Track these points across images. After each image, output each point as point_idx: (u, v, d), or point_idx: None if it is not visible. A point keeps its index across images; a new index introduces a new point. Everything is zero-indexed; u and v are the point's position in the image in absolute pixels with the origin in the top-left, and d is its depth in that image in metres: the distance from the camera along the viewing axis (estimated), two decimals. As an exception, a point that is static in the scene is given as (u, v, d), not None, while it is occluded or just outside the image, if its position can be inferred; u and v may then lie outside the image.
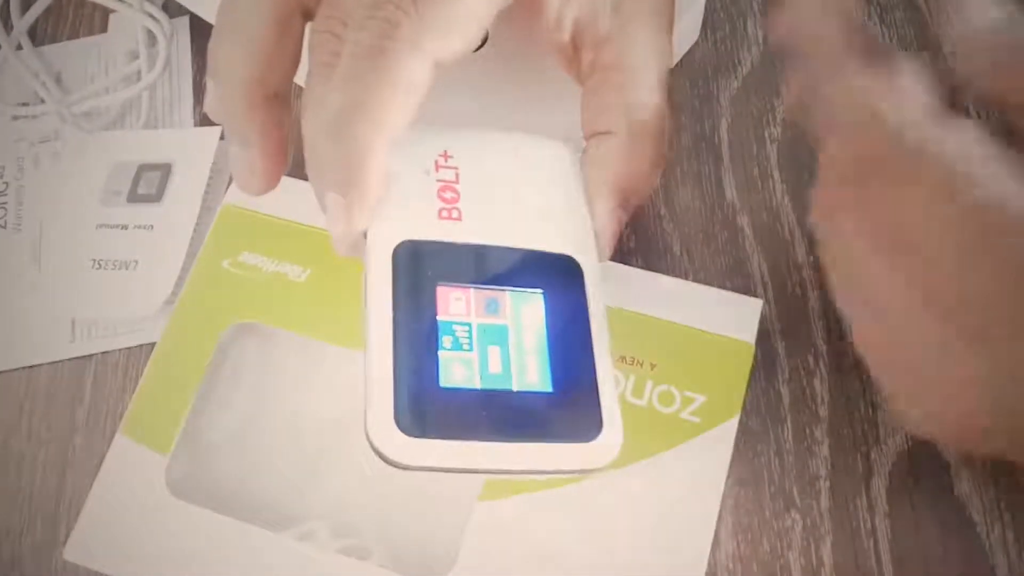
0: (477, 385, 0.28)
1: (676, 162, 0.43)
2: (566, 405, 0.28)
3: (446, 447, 0.27)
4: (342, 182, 0.29)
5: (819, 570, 0.35)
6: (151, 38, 0.49)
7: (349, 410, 0.39)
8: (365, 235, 0.30)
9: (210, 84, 0.31)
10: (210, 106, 0.32)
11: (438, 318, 0.28)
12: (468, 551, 0.34)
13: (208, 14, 0.48)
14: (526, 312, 0.30)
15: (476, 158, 0.32)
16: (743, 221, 0.42)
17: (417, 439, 0.26)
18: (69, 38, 0.51)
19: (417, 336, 0.28)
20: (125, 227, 0.44)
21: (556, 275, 0.31)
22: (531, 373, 0.29)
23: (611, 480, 0.34)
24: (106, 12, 0.51)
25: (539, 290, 0.30)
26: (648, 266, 0.41)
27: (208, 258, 0.40)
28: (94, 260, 0.43)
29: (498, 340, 0.29)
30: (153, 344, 0.40)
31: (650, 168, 0.33)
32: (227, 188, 0.43)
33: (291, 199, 0.41)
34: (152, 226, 0.43)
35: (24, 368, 0.43)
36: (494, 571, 0.34)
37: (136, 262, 0.43)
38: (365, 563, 0.35)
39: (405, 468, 0.26)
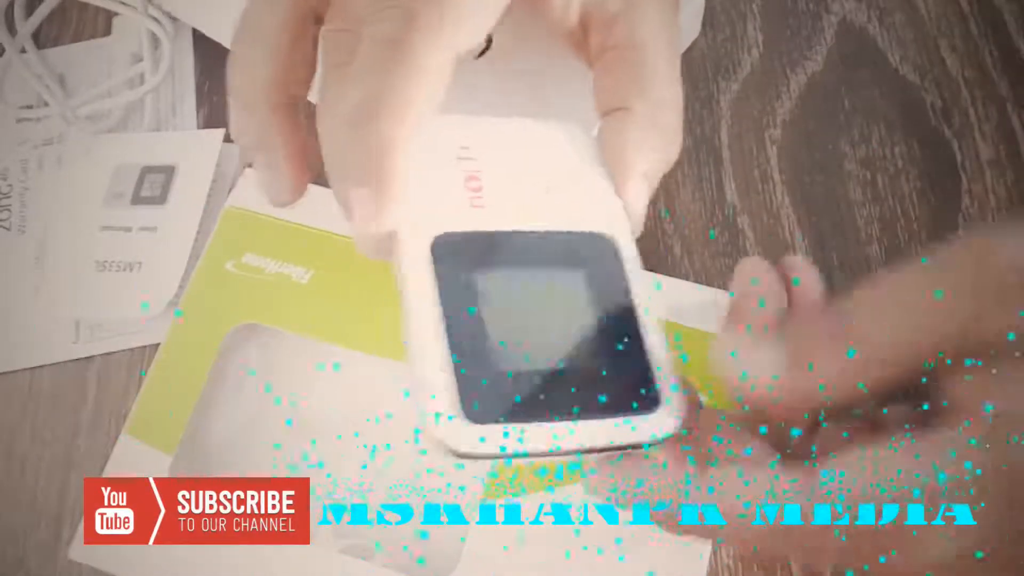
0: (533, 368, 0.28)
1: (676, 164, 0.43)
2: (621, 379, 0.28)
3: (513, 432, 0.26)
4: (368, 176, 0.28)
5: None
6: (154, 41, 0.49)
7: (352, 410, 0.39)
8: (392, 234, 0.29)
9: (232, 101, 0.31)
10: (235, 124, 0.31)
11: (486, 306, 0.28)
12: (471, 551, 0.34)
13: (209, 28, 0.48)
14: (571, 291, 0.30)
15: (495, 145, 0.32)
16: (743, 222, 0.42)
17: (483, 426, 0.26)
18: (73, 41, 0.51)
19: (469, 326, 0.28)
20: (129, 229, 0.44)
21: (593, 252, 0.31)
22: (583, 351, 0.29)
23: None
24: (109, 15, 0.51)
25: (580, 268, 0.30)
26: (649, 268, 0.41)
27: (211, 260, 0.40)
28: (98, 262, 0.43)
29: (547, 321, 0.29)
30: (157, 345, 0.40)
31: (670, 140, 0.33)
32: (230, 190, 0.43)
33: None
34: (156, 228, 0.44)
35: (28, 369, 0.43)
36: (497, 571, 0.34)
37: (140, 263, 0.43)
38: (368, 563, 0.35)
39: (472, 458, 0.26)
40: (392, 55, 0.28)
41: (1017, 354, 0.27)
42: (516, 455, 0.27)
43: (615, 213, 0.32)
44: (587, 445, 0.27)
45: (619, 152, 0.32)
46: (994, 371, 0.27)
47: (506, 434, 0.26)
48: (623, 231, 0.31)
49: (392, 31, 0.28)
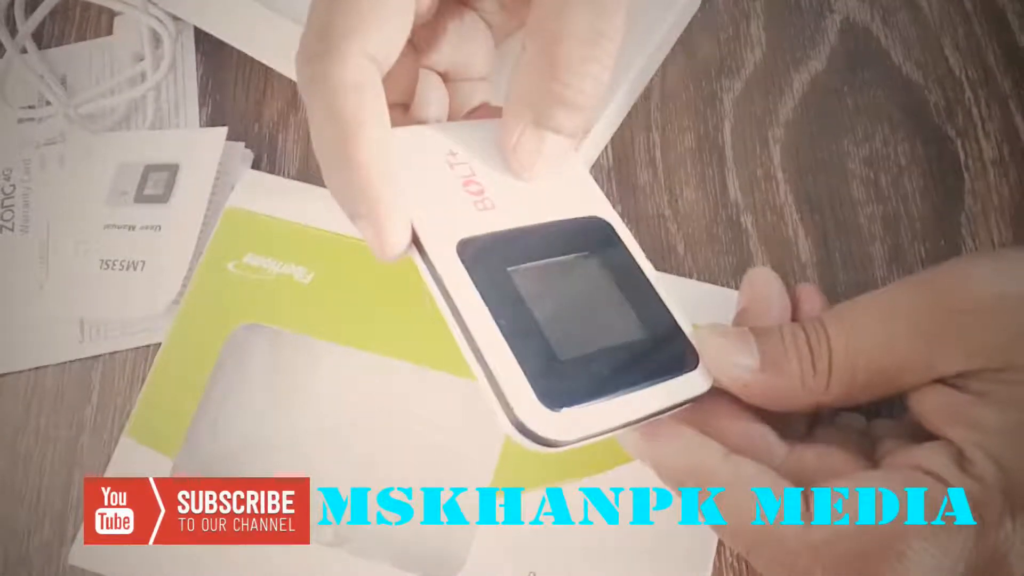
0: (584, 350, 0.29)
1: (680, 163, 0.44)
2: (665, 344, 0.31)
3: (592, 411, 0.28)
4: (358, 206, 0.29)
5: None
6: (156, 39, 0.49)
7: (355, 410, 0.39)
8: (412, 245, 0.30)
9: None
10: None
11: (525, 296, 0.30)
12: (478, 551, 0.34)
13: (211, 26, 0.48)
14: (591, 274, 0.32)
15: (479, 149, 0.33)
16: (747, 221, 0.42)
17: (565, 410, 0.27)
18: (75, 40, 0.51)
19: (518, 320, 0.29)
20: (132, 227, 0.44)
21: (598, 235, 0.33)
22: (620, 325, 0.31)
23: (620, 478, 0.34)
24: (111, 14, 0.51)
25: (593, 251, 0.32)
26: (652, 266, 0.41)
27: (212, 261, 0.40)
28: (102, 260, 0.43)
29: (580, 304, 0.31)
30: (160, 344, 0.40)
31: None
32: (232, 189, 0.43)
33: (295, 201, 0.41)
34: (159, 226, 0.44)
35: (32, 369, 0.43)
36: (504, 571, 0.34)
37: (143, 262, 0.43)
38: (374, 562, 0.35)
39: (562, 445, 0.27)
40: (313, 87, 0.29)
41: (976, 386, 0.28)
42: (603, 432, 0.28)
43: (596, 194, 0.34)
44: (654, 410, 0.29)
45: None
46: (964, 396, 0.28)
47: (586, 416, 0.28)
48: (610, 211, 0.33)
49: (310, 70, 0.29)
